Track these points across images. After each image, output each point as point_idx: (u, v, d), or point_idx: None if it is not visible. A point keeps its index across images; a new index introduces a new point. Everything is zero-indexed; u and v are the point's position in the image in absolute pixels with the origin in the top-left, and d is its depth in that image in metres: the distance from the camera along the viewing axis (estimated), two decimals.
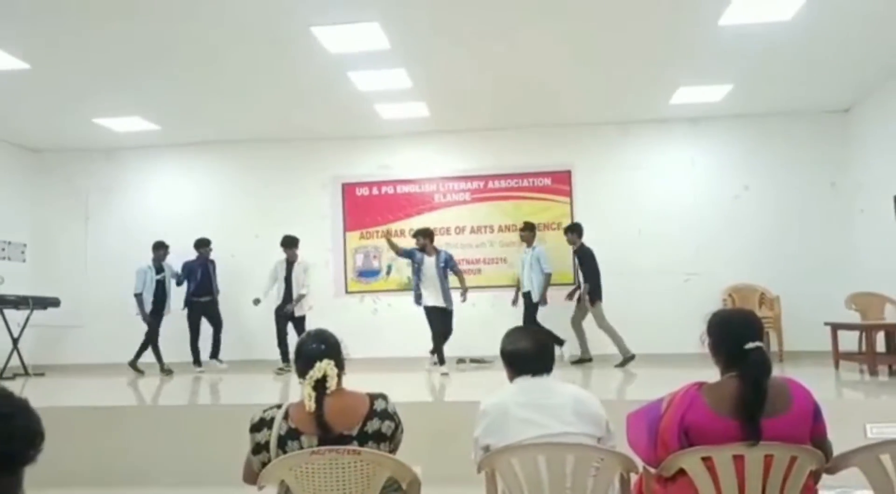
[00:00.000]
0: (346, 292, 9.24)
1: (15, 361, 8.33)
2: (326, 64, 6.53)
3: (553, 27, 5.93)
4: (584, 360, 7.99)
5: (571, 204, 8.97)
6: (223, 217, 9.26)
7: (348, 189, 9.34)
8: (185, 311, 8.35)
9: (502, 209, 9.07)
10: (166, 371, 8.11)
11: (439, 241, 8.89)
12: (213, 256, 8.56)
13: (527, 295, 7.93)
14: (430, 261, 7.34)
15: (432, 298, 7.27)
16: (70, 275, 9.39)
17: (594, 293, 7.78)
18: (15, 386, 7.20)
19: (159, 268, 8.34)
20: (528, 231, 8.14)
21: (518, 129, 8.97)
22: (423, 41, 6.21)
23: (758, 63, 6.88)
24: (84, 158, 9.60)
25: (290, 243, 8.12)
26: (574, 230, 8.09)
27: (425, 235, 7.45)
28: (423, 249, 7.39)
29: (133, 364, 8.14)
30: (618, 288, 8.54)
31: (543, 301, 7.83)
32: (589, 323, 7.91)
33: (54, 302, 8.77)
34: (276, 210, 9.20)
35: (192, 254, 8.43)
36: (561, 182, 9.02)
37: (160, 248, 8.39)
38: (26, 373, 8.40)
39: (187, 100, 7.78)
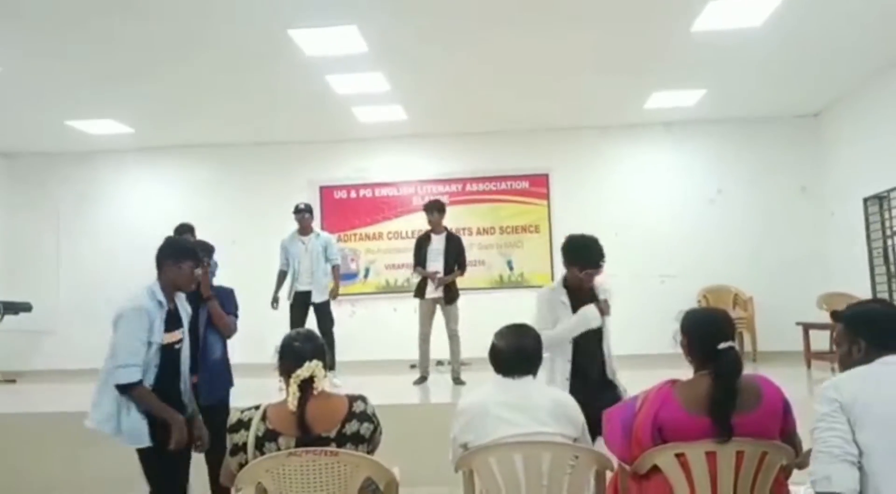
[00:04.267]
0: None
1: None
2: (304, 67, 6.51)
3: (529, 33, 5.96)
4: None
5: (549, 207, 9.02)
6: (198, 222, 9.08)
7: (326, 192, 9.30)
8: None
9: (480, 212, 9.09)
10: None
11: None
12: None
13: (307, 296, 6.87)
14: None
15: None
16: (42, 280, 9.20)
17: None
18: None
19: None
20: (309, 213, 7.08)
21: (495, 133, 9.00)
22: (400, 45, 6.22)
23: (730, 68, 6.99)
24: (57, 163, 9.41)
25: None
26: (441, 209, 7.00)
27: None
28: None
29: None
30: None
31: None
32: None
33: (26, 308, 8.61)
34: (253, 214, 9.12)
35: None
36: (538, 185, 9.08)
37: None
38: None
39: (161, 103, 7.67)
